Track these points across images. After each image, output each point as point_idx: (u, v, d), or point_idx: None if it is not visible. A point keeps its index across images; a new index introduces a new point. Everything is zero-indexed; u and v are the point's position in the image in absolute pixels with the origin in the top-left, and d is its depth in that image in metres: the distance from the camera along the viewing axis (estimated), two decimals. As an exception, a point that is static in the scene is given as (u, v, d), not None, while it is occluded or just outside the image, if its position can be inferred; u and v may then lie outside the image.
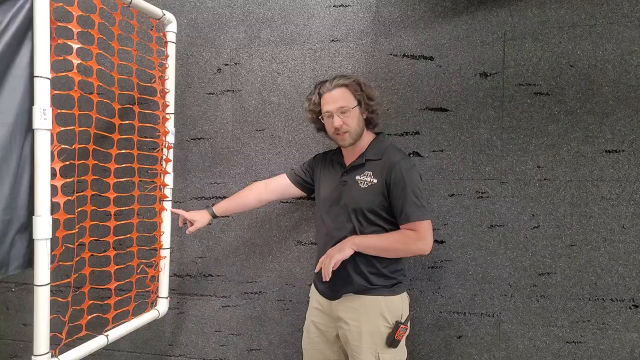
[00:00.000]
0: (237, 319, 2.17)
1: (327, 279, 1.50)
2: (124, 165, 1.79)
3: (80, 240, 1.57)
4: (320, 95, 1.62)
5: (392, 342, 1.53)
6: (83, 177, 1.57)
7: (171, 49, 1.92)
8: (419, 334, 1.95)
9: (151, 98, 1.92)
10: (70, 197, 1.43)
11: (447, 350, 1.92)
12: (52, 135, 1.34)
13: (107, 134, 1.69)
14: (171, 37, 1.92)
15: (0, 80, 1.32)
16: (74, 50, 1.43)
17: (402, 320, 1.55)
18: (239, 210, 1.94)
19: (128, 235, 1.86)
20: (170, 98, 1.93)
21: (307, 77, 2.02)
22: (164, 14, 1.85)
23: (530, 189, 1.82)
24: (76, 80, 1.44)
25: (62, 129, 1.39)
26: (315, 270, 1.57)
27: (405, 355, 1.63)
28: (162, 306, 1.95)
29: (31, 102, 1.33)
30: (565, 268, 1.80)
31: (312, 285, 1.78)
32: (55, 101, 1.35)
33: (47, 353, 1.35)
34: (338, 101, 1.56)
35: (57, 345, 1.44)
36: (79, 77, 1.44)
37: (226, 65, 2.12)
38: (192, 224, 1.84)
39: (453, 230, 1.89)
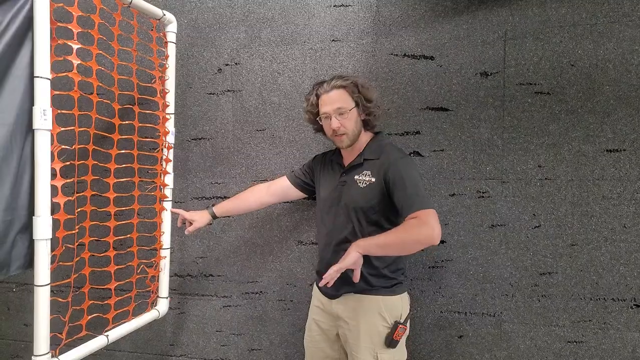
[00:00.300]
0: (238, 318, 2.17)
1: (329, 284, 1.44)
2: (124, 165, 1.79)
3: (80, 241, 1.57)
4: (318, 96, 1.62)
5: (390, 342, 1.53)
6: (83, 178, 1.57)
7: (171, 49, 1.92)
8: (420, 333, 1.94)
9: (151, 98, 1.92)
10: (70, 198, 1.43)
11: (448, 350, 1.92)
12: (52, 135, 1.34)
13: (107, 135, 1.69)
14: (171, 37, 1.92)
15: (1, 80, 1.32)
16: (74, 51, 1.43)
17: (401, 321, 1.55)
18: (240, 211, 1.95)
19: (128, 236, 1.86)
20: (171, 98, 1.93)
21: (308, 77, 2.02)
22: (164, 14, 1.85)
23: (531, 189, 1.81)
24: (76, 80, 1.44)
25: (62, 129, 1.39)
26: (320, 284, 1.49)
27: (405, 356, 1.63)
28: (163, 306, 1.95)
29: (31, 102, 1.33)
30: (567, 267, 1.80)
31: (315, 284, 1.78)
32: (56, 101, 1.35)
33: (47, 353, 1.35)
34: (335, 103, 1.56)
35: (58, 345, 1.44)
36: (79, 77, 1.44)
37: (227, 65, 2.12)
38: (191, 224, 1.84)
39: (454, 230, 1.89)
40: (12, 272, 1.41)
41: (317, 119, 1.65)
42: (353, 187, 1.58)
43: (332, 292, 1.64)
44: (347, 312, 1.60)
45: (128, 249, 1.87)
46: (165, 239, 1.94)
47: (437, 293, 1.92)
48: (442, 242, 1.89)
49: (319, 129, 1.72)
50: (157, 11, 1.81)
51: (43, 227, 1.31)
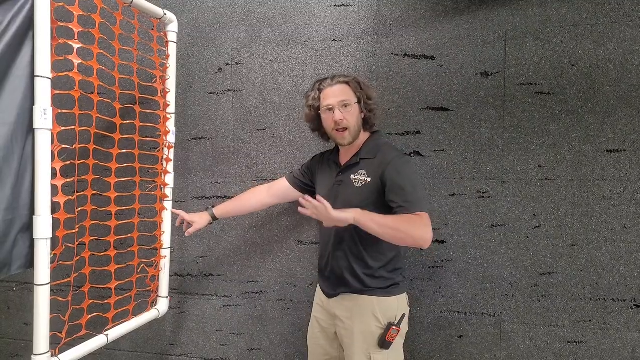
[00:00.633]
0: (238, 318, 2.17)
1: (306, 210, 1.39)
2: (124, 164, 1.79)
3: (80, 240, 1.58)
4: (320, 90, 1.63)
5: (383, 343, 1.52)
6: (84, 177, 1.57)
7: (172, 49, 1.92)
8: (420, 333, 1.94)
9: (152, 98, 1.92)
10: (70, 197, 1.43)
11: (448, 350, 1.92)
12: (52, 135, 1.34)
13: (107, 134, 1.69)
14: (172, 36, 1.92)
15: (1, 80, 1.32)
16: (75, 50, 1.43)
17: (395, 322, 1.53)
18: (240, 213, 1.96)
19: (128, 235, 1.86)
20: (171, 98, 1.93)
21: (308, 77, 2.02)
22: (165, 14, 1.85)
23: (532, 189, 1.81)
24: (77, 80, 1.44)
25: (63, 128, 1.39)
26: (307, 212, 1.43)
27: (401, 358, 1.62)
28: (162, 305, 1.95)
29: (32, 101, 1.33)
30: (567, 268, 1.79)
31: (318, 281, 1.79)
32: (56, 101, 1.35)
33: (47, 352, 1.35)
34: (339, 96, 1.57)
35: (57, 344, 1.44)
36: (80, 76, 1.44)
37: (227, 64, 2.12)
38: (190, 225, 1.85)
39: (454, 230, 1.89)
40: (13, 271, 1.41)
41: (318, 112, 1.65)
42: (349, 187, 1.58)
43: (330, 291, 1.65)
44: (343, 311, 1.61)
45: (128, 249, 1.87)
46: (166, 239, 1.94)
47: (437, 293, 1.92)
48: (442, 242, 1.90)
49: (316, 128, 1.72)
50: (158, 10, 1.81)
51: (43, 226, 1.31)
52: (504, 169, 1.83)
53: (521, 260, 1.83)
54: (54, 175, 1.35)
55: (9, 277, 1.41)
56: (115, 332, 1.68)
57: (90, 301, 1.63)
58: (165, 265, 1.94)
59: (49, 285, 1.34)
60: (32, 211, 1.38)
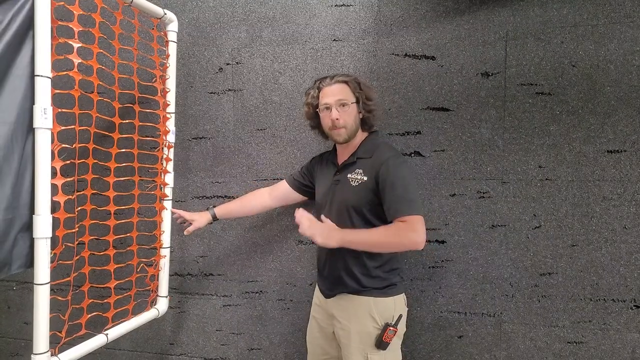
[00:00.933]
0: (238, 318, 2.17)
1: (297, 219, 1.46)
2: (124, 164, 1.79)
3: (80, 239, 1.58)
4: (319, 89, 1.64)
5: (380, 343, 1.52)
6: (83, 176, 1.57)
7: (172, 48, 1.92)
8: (419, 333, 1.94)
9: (152, 97, 1.92)
10: (70, 196, 1.43)
11: (448, 350, 1.92)
12: (52, 134, 1.34)
13: (107, 133, 1.69)
14: (172, 36, 1.92)
15: (1, 79, 1.32)
16: (75, 50, 1.42)
17: (392, 323, 1.53)
18: (241, 214, 1.97)
19: (128, 234, 1.86)
20: (171, 97, 1.93)
21: (309, 77, 2.02)
22: (165, 13, 1.85)
23: (532, 189, 1.81)
24: (77, 79, 1.44)
25: (63, 128, 1.39)
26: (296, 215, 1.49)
27: (399, 359, 1.62)
28: (162, 305, 1.95)
29: (32, 101, 1.32)
30: (567, 268, 1.79)
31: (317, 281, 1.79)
32: (56, 100, 1.35)
33: (46, 352, 1.35)
34: (337, 95, 1.58)
35: (57, 344, 1.44)
36: (80, 76, 1.44)
37: (228, 64, 2.12)
38: (190, 224, 1.85)
39: (454, 230, 1.89)
40: (13, 270, 1.41)
41: (317, 110, 1.65)
42: (346, 186, 1.59)
43: (327, 291, 1.66)
44: (340, 312, 1.61)
45: (128, 248, 1.87)
46: (165, 238, 1.94)
47: (437, 293, 1.92)
48: (442, 242, 1.89)
49: (315, 126, 1.73)
50: (158, 10, 1.81)
51: (43, 225, 1.31)
52: (505, 169, 1.83)
53: (521, 261, 1.83)
54: (54, 174, 1.35)
55: (9, 276, 1.41)
56: (115, 331, 1.68)
57: (90, 300, 1.63)
58: (164, 264, 1.94)
59: (48, 285, 1.34)
60: (32, 210, 1.38)
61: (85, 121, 1.56)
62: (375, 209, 1.54)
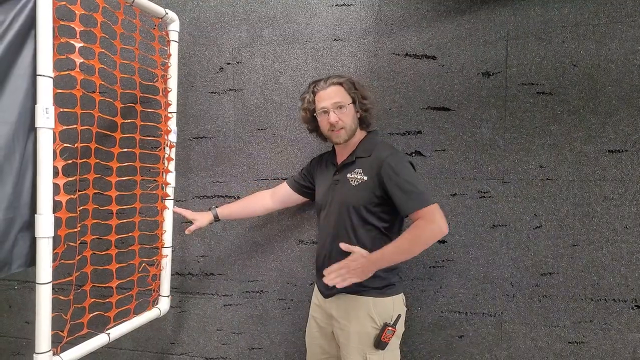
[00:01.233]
0: (238, 317, 2.17)
1: (329, 282, 1.45)
2: (126, 163, 1.79)
3: (82, 239, 1.58)
4: (314, 93, 1.64)
5: (379, 343, 1.52)
6: (85, 176, 1.57)
7: (173, 48, 1.92)
8: (420, 333, 1.94)
9: (153, 97, 1.92)
10: (72, 196, 1.44)
11: (449, 350, 1.92)
12: (54, 133, 1.34)
13: (109, 133, 1.70)
14: (174, 36, 1.92)
15: (3, 78, 1.33)
16: (77, 49, 1.43)
17: (390, 323, 1.53)
18: (243, 216, 1.98)
19: (130, 234, 1.86)
20: (173, 97, 1.93)
21: (310, 76, 2.02)
22: (167, 13, 1.85)
23: (533, 189, 1.81)
24: (78, 79, 1.44)
25: (65, 127, 1.39)
26: (325, 279, 1.48)
27: (398, 359, 1.62)
28: (164, 305, 1.95)
29: (34, 100, 1.33)
30: (568, 268, 1.79)
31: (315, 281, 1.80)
32: (58, 100, 1.35)
33: (48, 351, 1.35)
34: (334, 98, 1.58)
35: (59, 343, 1.44)
36: (82, 75, 1.45)
37: (228, 64, 2.12)
38: (192, 223, 1.85)
39: (455, 230, 1.89)
40: (13, 270, 1.41)
41: (314, 115, 1.65)
42: (345, 186, 1.59)
43: (325, 291, 1.66)
44: (339, 311, 1.61)
45: (129, 247, 1.87)
46: (167, 238, 1.94)
47: (437, 293, 1.92)
48: (442, 241, 1.90)
49: (313, 129, 1.74)
50: (160, 10, 1.81)
51: (45, 225, 1.31)
52: (505, 169, 1.83)
53: (522, 261, 1.83)
54: (55, 174, 1.35)
55: (10, 275, 1.42)
56: (117, 331, 1.68)
57: (92, 300, 1.63)
58: (166, 264, 1.94)
59: (50, 284, 1.34)
60: (32, 210, 1.39)
61: (87, 121, 1.56)
62: (375, 209, 1.54)
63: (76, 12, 1.42)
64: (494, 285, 1.86)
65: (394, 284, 1.60)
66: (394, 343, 1.58)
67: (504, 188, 1.84)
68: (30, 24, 1.34)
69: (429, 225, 1.42)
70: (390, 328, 1.52)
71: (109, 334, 1.63)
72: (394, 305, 1.57)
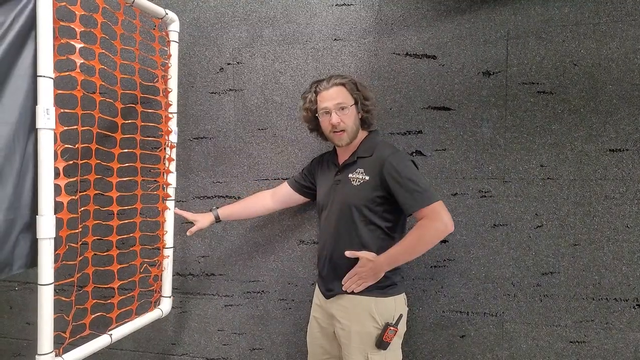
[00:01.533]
0: (239, 318, 2.17)
1: (347, 289, 1.57)
2: (126, 164, 1.79)
3: (83, 240, 1.58)
4: (316, 93, 1.63)
5: (380, 343, 1.52)
6: (86, 177, 1.57)
7: (174, 48, 1.92)
8: (421, 333, 1.94)
9: (154, 97, 1.92)
10: (73, 197, 1.43)
11: (450, 350, 1.92)
12: (55, 134, 1.34)
13: (109, 134, 1.69)
14: (174, 36, 1.92)
15: (4, 79, 1.32)
16: (77, 50, 1.43)
17: (392, 323, 1.53)
18: (244, 216, 1.98)
19: (131, 235, 1.86)
20: (173, 97, 1.93)
21: (310, 76, 2.02)
22: (167, 14, 1.85)
23: (534, 188, 1.81)
24: (79, 79, 1.44)
25: (65, 128, 1.39)
26: (344, 288, 1.59)
27: (399, 358, 1.62)
28: (166, 305, 1.95)
29: (34, 101, 1.33)
30: (569, 267, 1.79)
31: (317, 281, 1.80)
32: (58, 100, 1.35)
33: (51, 352, 1.35)
34: (336, 98, 1.58)
35: (61, 344, 1.44)
36: (82, 76, 1.44)
37: (229, 64, 2.12)
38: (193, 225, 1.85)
39: (456, 230, 1.87)
40: (14, 270, 1.41)
41: (315, 115, 1.65)
42: (347, 186, 1.59)
43: (327, 292, 1.66)
44: (340, 312, 1.61)
45: (131, 248, 1.87)
46: (168, 238, 1.94)
47: (439, 292, 1.92)
48: (444, 241, 1.89)
49: (314, 129, 1.74)
50: (160, 10, 1.81)
51: (46, 226, 1.31)
52: (506, 169, 1.83)
53: (523, 260, 1.83)
54: (56, 175, 1.35)
55: (10, 276, 1.41)
56: (119, 331, 1.68)
57: (94, 301, 1.63)
58: (168, 264, 1.94)
59: (52, 285, 1.34)
60: (33, 211, 1.39)
61: (87, 121, 1.56)
62: (377, 208, 1.54)
63: (76, 12, 1.41)
64: (495, 285, 1.86)
65: (395, 283, 1.60)
66: (396, 343, 1.58)
67: (504, 187, 1.84)
68: (31, 25, 1.34)
69: (434, 224, 1.44)
70: (392, 328, 1.52)
71: (111, 335, 1.63)
72: (395, 305, 1.57)
